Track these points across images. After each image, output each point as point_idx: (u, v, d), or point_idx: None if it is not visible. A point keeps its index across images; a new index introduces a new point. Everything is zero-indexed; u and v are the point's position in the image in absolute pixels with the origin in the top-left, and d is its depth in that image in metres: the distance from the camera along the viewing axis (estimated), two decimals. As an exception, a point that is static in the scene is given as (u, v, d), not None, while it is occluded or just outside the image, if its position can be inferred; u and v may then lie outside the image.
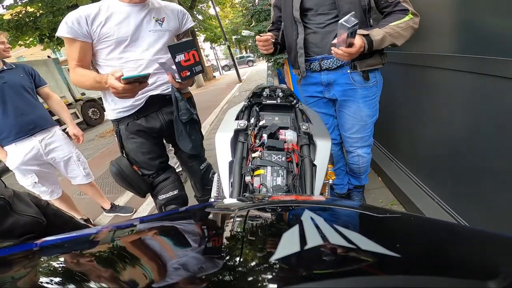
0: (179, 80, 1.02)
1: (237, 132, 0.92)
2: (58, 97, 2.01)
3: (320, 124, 0.99)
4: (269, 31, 1.43)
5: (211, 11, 16.17)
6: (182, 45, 0.98)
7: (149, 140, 1.25)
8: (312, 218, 0.36)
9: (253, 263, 0.29)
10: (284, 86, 1.25)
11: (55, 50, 9.75)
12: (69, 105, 7.04)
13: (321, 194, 0.81)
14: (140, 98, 1.16)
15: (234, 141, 0.90)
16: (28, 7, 6.71)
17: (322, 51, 1.22)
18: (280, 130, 0.95)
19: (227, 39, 12.04)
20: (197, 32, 15.90)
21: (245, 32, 1.45)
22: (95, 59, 1.14)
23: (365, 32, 1.04)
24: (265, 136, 0.91)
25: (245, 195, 0.79)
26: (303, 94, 1.44)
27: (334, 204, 0.51)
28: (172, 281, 0.27)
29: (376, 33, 1.04)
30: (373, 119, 1.31)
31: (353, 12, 0.90)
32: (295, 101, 1.12)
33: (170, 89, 1.16)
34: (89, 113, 7.66)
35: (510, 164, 0.92)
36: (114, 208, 2.24)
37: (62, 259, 0.38)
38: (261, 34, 1.21)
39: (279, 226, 0.41)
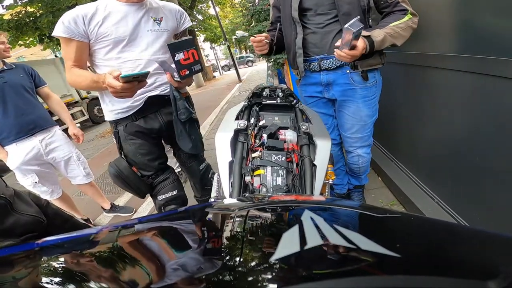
0: (178, 79, 1.02)
1: (237, 132, 0.92)
2: (58, 97, 2.01)
3: (320, 124, 0.99)
4: (268, 31, 1.43)
5: (211, 11, 16.18)
6: (182, 43, 0.98)
7: (148, 141, 1.24)
8: (312, 218, 0.36)
9: (253, 263, 0.29)
10: (284, 86, 1.25)
11: (55, 50, 9.76)
12: (75, 103, 7.22)
13: (321, 194, 0.81)
14: (139, 99, 1.16)
15: (234, 141, 0.90)
16: (28, 7, 6.72)
17: (321, 51, 1.22)
18: (280, 130, 0.95)
19: (227, 39, 12.04)
20: (197, 32, 15.89)
21: (238, 33, 1.45)
22: (92, 59, 1.13)
23: (366, 33, 1.04)
24: (265, 136, 0.91)
25: (245, 195, 0.79)
26: (302, 94, 1.44)
27: (334, 204, 0.51)
28: (172, 281, 0.27)
29: (377, 34, 1.04)
30: (372, 119, 1.31)
31: (358, 17, 0.90)
32: (295, 101, 1.12)
33: (168, 90, 1.16)
34: (95, 111, 7.78)
35: (510, 164, 0.92)
36: (114, 208, 2.24)
37: (62, 259, 0.38)
38: (255, 35, 1.21)
39: (279, 226, 0.41)
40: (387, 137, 1.92)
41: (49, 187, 1.87)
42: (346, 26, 0.91)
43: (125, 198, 2.53)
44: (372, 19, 1.18)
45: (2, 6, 6.71)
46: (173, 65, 0.98)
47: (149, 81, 1.09)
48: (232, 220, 0.44)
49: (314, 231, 0.32)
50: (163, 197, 1.28)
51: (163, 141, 1.38)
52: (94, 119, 7.74)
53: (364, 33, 1.03)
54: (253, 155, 0.87)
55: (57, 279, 0.32)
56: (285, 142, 0.90)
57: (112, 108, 1.17)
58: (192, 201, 1.63)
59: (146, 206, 2.28)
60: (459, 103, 1.13)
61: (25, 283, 0.32)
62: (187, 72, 1.01)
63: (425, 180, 1.50)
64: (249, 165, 0.83)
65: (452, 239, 0.34)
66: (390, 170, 1.79)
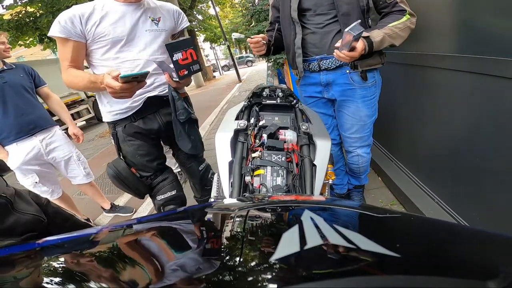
0: (177, 79, 1.01)
1: (237, 132, 0.92)
2: (58, 97, 2.01)
3: (320, 124, 0.99)
4: (267, 31, 1.43)
5: (211, 11, 16.18)
6: (180, 43, 0.97)
7: (147, 142, 1.24)
8: (312, 218, 0.36)
9: (253, 263, 0.29)
10: (284, 86, 1.25)
11: (55, 50, 9.75)
12: (81, 101, 7.31)
13: (321, 194, 0.81)
14: (138, 99, 1.15)
15: (234, 141, 0.90)
16: (28, 7, 6.71)
17: (321, 51, 1.23)
18: (280, 130, 0.95)
19: (227, 39, 12.03)
20: (197, 32, 15.89)
21: (235, 35, 1.47)
22: (89, 59, 1.12)
23: (365, 34, 1.04)
24: (265, 136, 0.91)
25: (245, 195, 0.79)
26: (302, 94, 1.44)
27: (334, 204, 0.51)
28: (172, 281, 0.27)
29: (376, 35, 1.05)
30: (372, 119, 1.32)
31: (359, 21, 0.91)
32: (295, 101, 1.12)
33: (167, 90, 1.16)
34: (101, 108, 7.86)
35: (510, 164, 0.92)
36: (114, 208, 2.24)
37: (62, 259, 0.38)
38: (251, 36, 1.22)
39: (279, 226, 0.41)
40: (387, 137, 1.92)
41: (49, 187, 1.87)
42: (346, 29, 0.92)
43: (125, 198, 2.53)
44: (371, 19, 1.18)
45: (2, 6, 6.71)
46: (172, 65, 0.98)
47: (148, 81, 1.09)
48: (232, 220, 0.44)
49: (314, 231, 0.32)
50: (162, 197, 1.28)
51: (161, 142, 1.38)
52: (99, 117, 7.78)
53: (363, 33, 1.04)
54: (253, 155, 0.87)
55: (57, 279, 0.32)
56: (285, 142, 0.90)
57: (111, 109, 1.16)
58: (191, 202, 1.63)
59: (146, 206, 2.28)
60: (459, 103, 1.13)
61: (26, 283, 0.32)
62: (186, 72, 1.01)
63: (425, 180, 1.50)
64: (249, 165, 0.83)
65: (452, 239, 0.34)
66: (390, 170, 1.79)
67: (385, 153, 1.97)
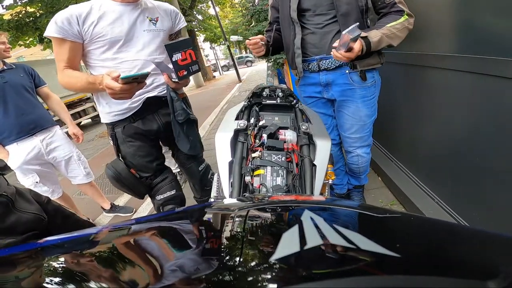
0: (176, 80, 1.01)
1: (237, 132, 0.92)
2: (58, 97, 2.01)
3: (320, 124, 0.99)
4: (266, 31, 1.43)
5: (211, 11, 16.18)
6: (179, 44, 0.97)
7: (147, 142, 1.23)
8: (312, 218, 0.36)
9: (253, 263, 0.29)
10: (284, 86, 1.25)
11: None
12: (87, 99, 7.30)
13: (321, 194, 0.81)
14: (137, 100, 1.14)
15: (234, 141, 0.90)
16: (28, 7, 6.72)
17: (320, 51, 1.23)
18: (280, 130, 0.95)
19: (226, 39, 12.03)
20: (197, 32, 15.89)
21: (233, 38, 1.48)
22: (86, 60, 1.10)
23: (363, 34, 1.05)
24: (265, 136, 0.91)
25: (245, 195, 0.79)
26: (301, 94, 1.44)
27: (334, 204, 0.51)
28: (173, 281, 0.27)
29: (374, 35, 1.06)
30: (372, 119, 1.32)
31: (358, 23, 0.92)
32: (295, 101, 1.12)
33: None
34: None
35: (510, 164, 0.92)
36: (114, 208, 2.24)
37: (63, 259, 0.38)
38: (250, 38, 1.22)
39: (279, 226, 0.41)
40: (387, 137, 1.92)
41: (49, 187, 1.87)
42: (344, 32, 0.93)
43: (125, 198, 2.53)
44: (370, 20, 1.19)
45: (2, 6, 6.72)
46: (170, 66, 0.98)
47: (147, 81, 1.08)
48: (232, 220, 0.44)
49: (314, 231, 0.32)
50: (162, 197, 1.28)
51: (160, 142, 1.37)
52: None
53: (362, 34, 1.04)
54: (253, 155, 0.87)
55: (58, 279, 0.32)
56: (285, 142, 0.90)
57: (109, 110, 1.15)
58: (191, 202, 1.63)
59: (146, 206, 2.28)
60: (459, 103, 1.13)
61: (27, 283, 0.32)
62: (185, 73, 1.01)
63: (425, 180, 1.50)
64: (249, 165, 0.83)
65: (452, 239, 0.34)
66: (390, 170, 1.79)
67: (385, 153, 1.97)
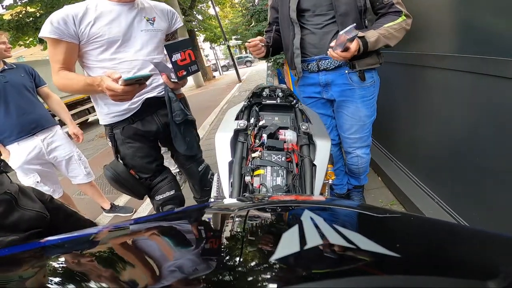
0: (175, 80, 1.01)
1: (237, 132, 0.92)
2: (58, 97, 2.02)
3: (320, 124, 0.99)
4: (266, 32, 1.43)
5: (211, 11, 16.17)
6: (179, 44, 0.97)
7: (146, 143, 1.22)
8: (311, 218, 0.36)
9: (253, 263, 0.29)
10: (284, 86, 1.25)
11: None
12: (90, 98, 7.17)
13: (321, 194, 0.81)
14: (137, 101, 1.13)
15: (234, 141, 0.90)
16: (28, 7, 6.72)
17: (320, 51, 1.23)
18: (280, 130, 0.95)
19: (226, 39, 12.03)
20: (197, 32, 15.89)
21: (232, 42, 1.48)
22: (83, 60, 1.08)
23: (361, 34, 1.06)
24: (265, 136, 0.91)
25: (245, 195, 0.79)
26: (301, 95, 1.44)
27: (333, 204, 0.51)
28: (173, 281, 0.27)
29: (371, 35, 1.07)
30: (371, 119, 1.32)
31: (355, 24, 0.93)
32: (294, 101, 1.12)
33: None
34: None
35: (510, 164, 0.92)
36: (113, 208, 2.24)
37: (63, 259, 0.38)
38: (249, 40, 1.23)
39: (279, 226, 0.41)
40: (387, 137, 1.92)
41: (50, 187, 1.87)
42: (341, 32, 0.95)
43: (124, 198, 2.53)
44: (368, 20, 1.19)
45: (2, 6, 6.72)
46: (169, 66, 0.98)
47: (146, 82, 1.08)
48: (232, 220, 0.44)
49: (314, 231, 0.32)
50: (161, 197, 1.28)
51: (159, 143, 1.37)
52: None
53: (359, 34, 1.05)
54: (253, 155, 0.87)
55: (58, 279, 0.32)
56: (285, 142, 0.90)
57: (108, 111, 1.13)
58: (191, 202, 1.63)
59: (146, 206, 2.28)
60: (459, 103, 1.13)
61: (27, 283, 0.32)
62: (184, 73, 1.00)
63: (425, 180, 1.50)
64: (249, 165, 0.83)
65: (452, 239, 0.34)
66: (389, 170, 1.79)
67: (384, 153, 1.97)
